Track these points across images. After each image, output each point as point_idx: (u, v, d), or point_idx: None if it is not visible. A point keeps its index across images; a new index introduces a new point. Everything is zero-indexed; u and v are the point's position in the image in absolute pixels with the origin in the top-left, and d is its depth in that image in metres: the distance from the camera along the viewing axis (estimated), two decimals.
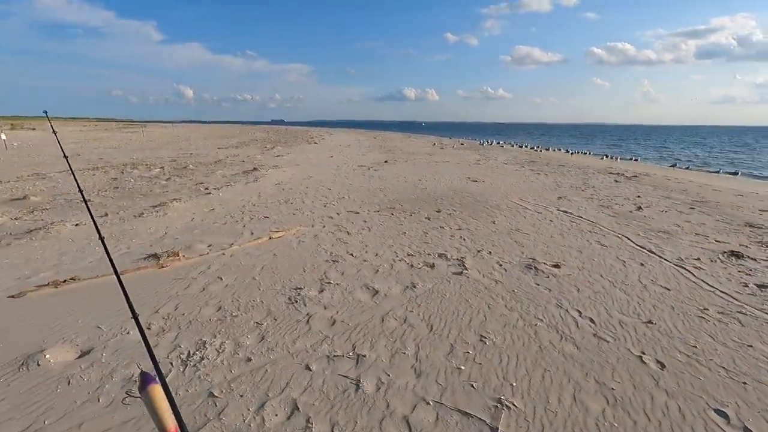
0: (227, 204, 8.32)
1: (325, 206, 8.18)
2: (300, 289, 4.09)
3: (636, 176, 12.82)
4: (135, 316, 1.36)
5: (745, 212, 7.68)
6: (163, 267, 4.73)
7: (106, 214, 7.17)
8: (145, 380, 0.98)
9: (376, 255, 5.14)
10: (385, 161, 16.77)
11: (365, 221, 6.92)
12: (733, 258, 4.95)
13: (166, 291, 4.06)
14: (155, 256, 5.07)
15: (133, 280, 4.37)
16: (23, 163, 14.69)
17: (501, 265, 4.75)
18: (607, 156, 24.63)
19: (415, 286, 4.12)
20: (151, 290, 4.07)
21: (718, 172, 19.06)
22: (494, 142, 34.15)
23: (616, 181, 11.51)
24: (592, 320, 3.39)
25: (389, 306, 3.68)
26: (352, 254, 5.18)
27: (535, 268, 4.60)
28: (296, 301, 3.80)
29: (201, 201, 8.51)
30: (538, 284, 4.17)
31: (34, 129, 49.50)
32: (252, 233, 6.20)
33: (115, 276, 1.61)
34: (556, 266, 4.64)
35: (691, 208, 8.02)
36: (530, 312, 3.56)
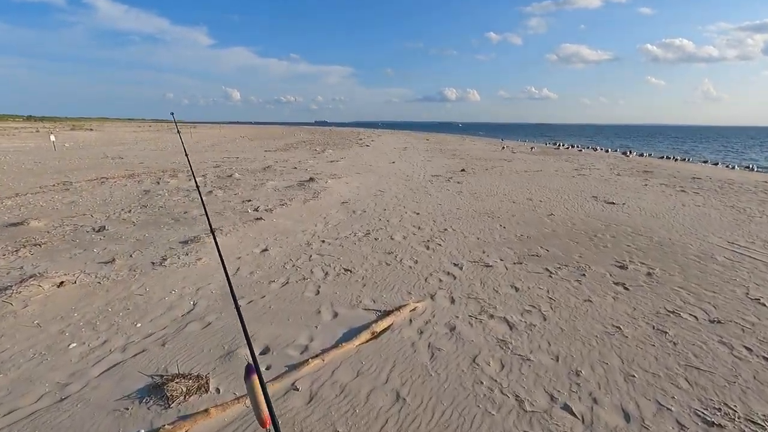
0: (285, 239, 5.78)
1: (428, 248, 5.44)
2: None
3: None
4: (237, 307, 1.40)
5: None
6: None
7: (114, 260, 4.78)
8: (248, 371, 1.10)
9: (630, 419, 2.30)
10: (462, 170, 13.88)
11: (516, 288, 4.10)
12: None
13: None
14: (160, 391, 2.50)
15: None
16: (60, 168, 13.07)
17: None
18: (722, 164, 20.33)
19: None
20: None
21: None
22: (569, 146, 30.26)
23: None
24: None
25: None
26: (568, 407, 2.38)
27: None
28: None
29: (249, 232, 6.03)
30: None
31: (91, 130, 50.71)
32: (335, 314, 3.55)
33: None
34: None
35: None
36: None
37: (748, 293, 3.94)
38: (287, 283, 4.26)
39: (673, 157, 22.39)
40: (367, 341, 3.11)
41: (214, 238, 2.00)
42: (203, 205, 2.70)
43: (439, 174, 12.90)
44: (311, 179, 10.86)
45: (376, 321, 3.36)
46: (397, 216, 7.20)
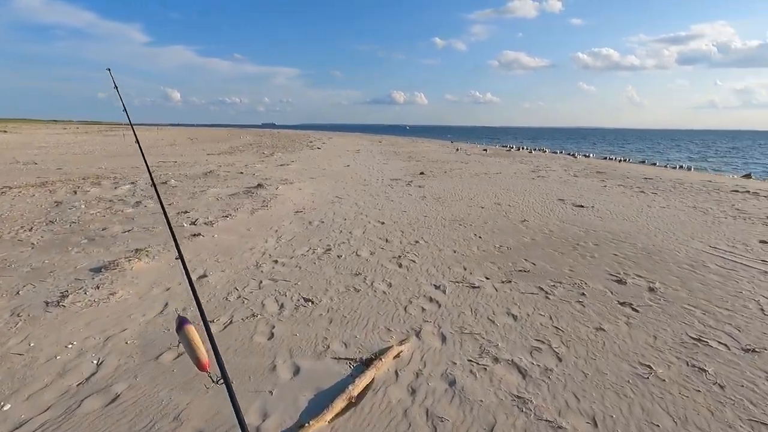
0: (229, 260, 4.80)
1: (400, 265, 4.69)
2: None
3: None
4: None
5: None
6: None
7: None
8: (181, 322, 1.10)
9: None
10: (421, 173, 13.33)
11: (513, 315, 3.45)
12: None
13: None
14: None
15: None
16: None
17: None
18: (659, 164, 21.45)
19: None
20: None
21: None
22: (519, 148, 30.93)
23: None
24: None
25: None
26: None
27: None
28: None
29: (185, 253, 4.94)
30: None
31: (5, 132, 45.18)
32: (297, 370, 2.69)
33: None
34: None
35: None
36: None
37: (762, 309, 3.55)
38: (231, 323, 3.32)
39: (616, 158, 23.38)
40: (343, 411, 2.29)
41: (176, 243, 1.71)
42: (160, 202, 1.81)
43: (398, 178, 12.25)
44: (259, 185, 9.78)
45: (352, 378, 2.53)
46: (360, 227, 6.40)
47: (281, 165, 15.08)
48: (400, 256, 4.99)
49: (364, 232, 6.09)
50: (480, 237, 5.84)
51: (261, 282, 4.17)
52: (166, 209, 2.41)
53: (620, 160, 22.02)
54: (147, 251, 4.95)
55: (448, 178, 12.34)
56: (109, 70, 3.25)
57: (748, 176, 18.29)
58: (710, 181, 12.19)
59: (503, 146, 33.35)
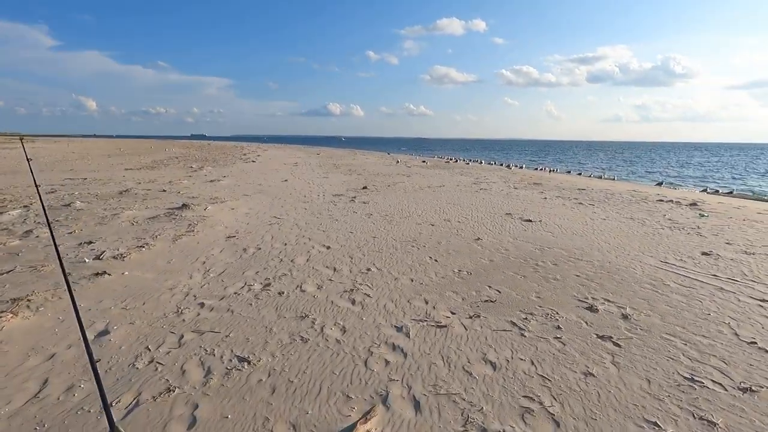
0: (141, 306, 3.87)
1: (353, 302, 4.08)
2: None
3: (694, 204, 10.24)
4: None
5: None
6: None
7: None
8: None
9: None
10: (364, 187, 12.82)
11: (492, 364, 2.97)
12: None
13: None
14: None
15: None
16: None
17: None
18: (584, 174, 22.87)
19: None
20: None
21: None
22: (456, 159, 31.66)
23: (702, 215, 8.70)
24: None
25: None
26: None
27: None
28: None
29: (80, 300, 3.95)
30: None
31: None
32: None
33: None
34: None
35: None
36: None
37: (737, 334, 3.40)
38: (137, 404, 2.49)
39: (546, 169, 24.64)
40: None
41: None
42: (50, 231, 1.11)
43: (340, 193, 11.62)
44: (185, 206, 8.66)
45: None
46: (303, 253, 5.69)
47: (211, 181, 13.82)
48: (352, 290, 4.37)
49: (308, 260, 5.40)
50: (436, 260, 5.39)
51: (182, 336, 3.34)
52: (60, 240, 1.61)
53: (550, 171, 23.22)
54: (29, 301, 3.88)
55: (393, 192, 11.94)
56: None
57: (660, 184, 20.04)
58: (635, 191, 12.96)
59: (441, 158, 34.01)
